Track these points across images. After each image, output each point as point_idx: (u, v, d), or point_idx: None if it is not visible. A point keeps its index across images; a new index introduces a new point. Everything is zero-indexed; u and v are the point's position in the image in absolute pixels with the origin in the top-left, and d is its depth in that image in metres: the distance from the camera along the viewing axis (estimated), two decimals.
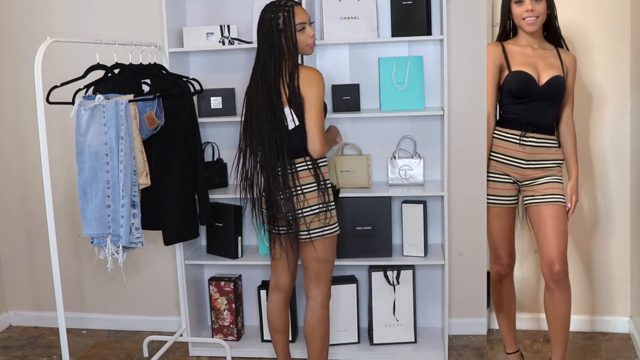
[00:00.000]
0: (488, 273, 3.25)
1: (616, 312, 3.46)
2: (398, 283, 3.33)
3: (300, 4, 2.71)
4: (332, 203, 2.68)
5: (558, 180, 2.71)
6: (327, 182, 2.68)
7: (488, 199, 2.77)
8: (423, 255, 3.27)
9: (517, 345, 3.05)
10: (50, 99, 2.63)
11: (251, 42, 3.28)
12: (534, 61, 2.69)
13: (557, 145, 2.76)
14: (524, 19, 2.62)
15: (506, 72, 2.69)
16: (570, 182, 2.76)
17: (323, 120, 2.63)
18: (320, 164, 2.66)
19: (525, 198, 2.76)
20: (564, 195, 2.71)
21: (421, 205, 3.26)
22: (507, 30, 2.78)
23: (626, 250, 3.39)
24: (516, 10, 2.64)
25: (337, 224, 2.71)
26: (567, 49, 2.80)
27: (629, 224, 3.35)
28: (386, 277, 3.32)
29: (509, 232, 2.82)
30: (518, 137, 2.69)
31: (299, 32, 2.59)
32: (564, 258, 2.64)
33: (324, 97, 2.64)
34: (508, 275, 2.91)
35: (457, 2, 3.25)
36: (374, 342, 3.36)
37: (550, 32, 2.74)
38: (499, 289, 2.94)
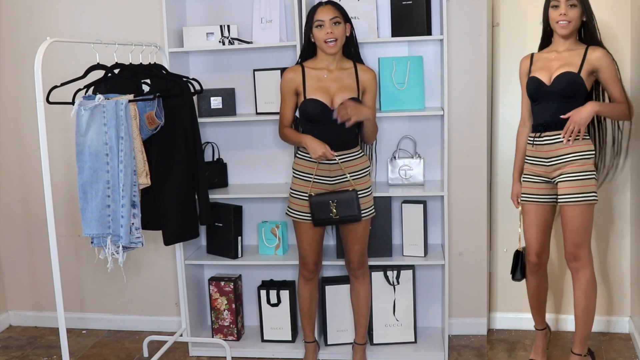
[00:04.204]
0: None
1: (616, 312, 3.46)
2: (398, 283, 3.33)
3: (332, 4, 2.86)
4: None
5: (576, 178, 2.75)
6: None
7: (523, 197, 2.93)
8: (423, 255, 3.27)
9: (544, 324, 3.15)
10: (50, 99, 2.63)
11: (251, 42, 3.28)
12: (549, 64, 2.81)
13: (575, 138, 2.77)
14: (557, 22, 2.75)
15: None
16: (590, 104, 2.74)
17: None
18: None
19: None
20: (582, 194, 2.74)
21: (421, 205, 3.26)
22: (547, 38, 2.90)
23: (626, 251, 3.39)
24: (552, 13, 2.77)
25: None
26: (602, 46, 2.80)
27: (629, 224, 3.35)
28: (386, 277, 3.32)
29: (541, 228, 2.93)
30: (532, 139, 2.86)
31: (316, 29, 2.81)
32: (577, 252, 2.80)
33: (283, 93, 2.96)
34: (538, 271, 3.00)
35: (457, 2, 3.26)
36: (374, 342, 3.36)
37: (586, 36, 2.83)
38: (528, 281, 3.04)
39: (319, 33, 2.81)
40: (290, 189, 2.98)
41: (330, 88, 2.87)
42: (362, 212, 2.91)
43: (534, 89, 2.82)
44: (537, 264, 2.97)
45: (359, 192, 2.89)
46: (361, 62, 2.98)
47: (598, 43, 2.80)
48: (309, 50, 2.93)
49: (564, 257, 2.86)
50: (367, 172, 2.97)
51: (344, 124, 2.82)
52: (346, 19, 2.86)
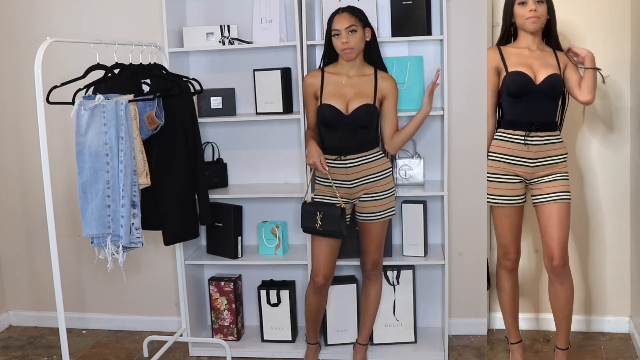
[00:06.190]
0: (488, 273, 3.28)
1: (616, 312, 3.46)
2: (398, 283, 3.33)
3: (350, 10, 2.85)
4: None
5: (563, 177, 2.82)
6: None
7: (496, 199, 2.86)
8: (423, 255, 3.27)
9: (520, 335, 3.11)
10: (50, 99, 2.63)
11: (251, 42, 3.28)
12: (529, 62, 2.78)
13: (560, 140, 2.85)
14: (527, 18, 2.74)
15: (504, 74, 2.80)
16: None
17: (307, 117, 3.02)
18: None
19: (532, 197, 2.86)
20: (569, 192, 2.81)
21: (421, 205, 3.26)
22: (509, 34, 2.90)
23: (626, 250, 3.38)
24: (519, 10, 2.76)
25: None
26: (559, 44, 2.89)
27: (629, 223, 3.35)
28: (386, 277, 3.32)
29: (517, 229, 2.93)
30: (522, 137, 2.78)
31: (334, 37, 2.82)
32: (563, 253, 2.79)
33: (304, 97, 2.99)
34: (514, 270, 3.01)
35: (457, 2, 3.25)
36: (374, 342, 3.36)
37: (550, 37, 2.86)
38: (505, 284, 3.02)
39: (336, 42, 2.83)
40: (314, 194, 3.01)
41: (346, 94, 2.89)
42: (380, 213, 2.94)
43: (521, 85, 2.74)
44: (516, 260, 2.97)
45: (378, 194, 2.92)
46: (383, 68, 2.97)
47: (558, 41, 2.86)
48: (330, 54, 2.94)
49: (547, 261, 2.80)
50: (389, 174, 2.97)
51: (360, 128, 2.86)
52: (365, 24, 2.86)
